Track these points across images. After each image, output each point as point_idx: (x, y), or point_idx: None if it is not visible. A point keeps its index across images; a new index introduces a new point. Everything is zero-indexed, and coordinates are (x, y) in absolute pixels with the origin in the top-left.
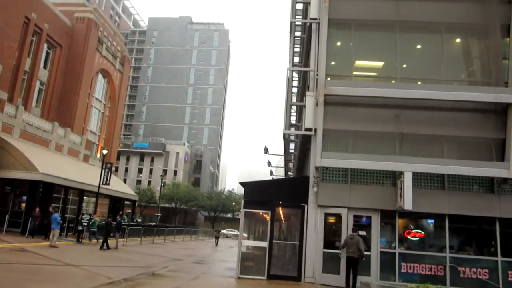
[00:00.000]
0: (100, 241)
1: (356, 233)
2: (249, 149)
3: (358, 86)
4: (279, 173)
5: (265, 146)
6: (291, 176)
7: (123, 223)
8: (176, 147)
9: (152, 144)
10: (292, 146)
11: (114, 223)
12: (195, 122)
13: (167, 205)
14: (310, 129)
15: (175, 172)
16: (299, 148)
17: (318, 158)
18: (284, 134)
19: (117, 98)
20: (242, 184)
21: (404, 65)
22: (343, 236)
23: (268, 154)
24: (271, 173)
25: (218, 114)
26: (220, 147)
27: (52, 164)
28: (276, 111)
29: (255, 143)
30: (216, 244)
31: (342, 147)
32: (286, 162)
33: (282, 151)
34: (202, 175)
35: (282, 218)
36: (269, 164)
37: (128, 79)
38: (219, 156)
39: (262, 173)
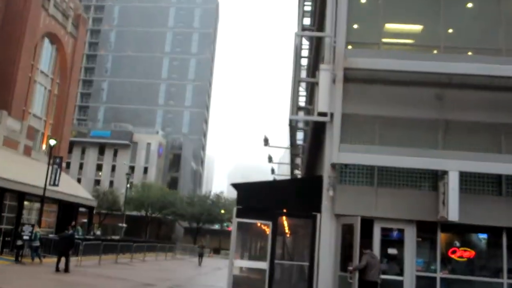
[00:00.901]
0: (44, 260)
1: (369, 250)
2: (244, 139)
3: (389, 58)
4: (283, 172)
5: (265, 136)
6: (299, 176)
7: (76, 236)
8: (147, 137)
9: (115, 132)
10: (300, 136)
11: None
12: (172, 103)
13: (135, 213)
14: (324, 114)
15: (146, 170)
16: (310, 139)
17: (335, 153)
18: (290, 121)
19: (69, 72)
20: (234, 186)
21: (450, 30)
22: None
23: (269, 146)
24: (273, 171)
25: (203, 93)
26: (205, 137)
27: None
28: (280, 90)
29: (252, 131)
30: (200, 264)
31: (366, 138)
32: (293, 157)
33: (286, 143)
34: (181, 173)
35: (287, 231)
36: (270, 159)
37: (84, 46)
38: (203, 149)
39: (260, 171)
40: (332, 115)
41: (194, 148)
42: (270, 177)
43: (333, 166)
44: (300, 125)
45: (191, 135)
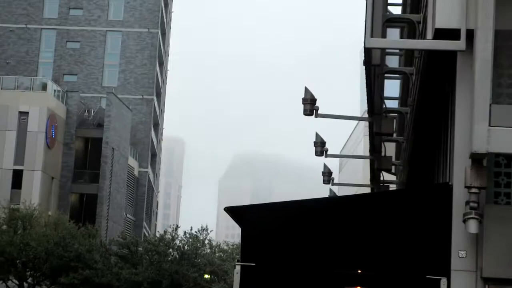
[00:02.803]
0: None
1: None
2: (248, 101)
3: None
4: (348, 176)
5: (309, 95)
6: (391, 185)
7: None
8: (20, 96)
9: None
10: (390, 89)
11: None
12: (79, 18)
13: None
14: (450, 34)
15: (18, 176)
16: (417, 98)
17: (481, 130)
18: (367, 52)
19: None
20: (231, 211)
21: None
22: None
23: (318, 114)
24: (328, 178)
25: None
26: (159, 97)
27: None
28: None
29: (262, 84)
30: None
31: None
32: (375, 139)
33: (356, 108)
34: (103, 186)
35: None
36: (320, 152)
37: None
38: (157, 128)
39: (293, 169)
40: (470, 35)
41: (136, 123)
42: (317, 189)
43: (478, 161)
44: (392, 61)
45: (126, 93)
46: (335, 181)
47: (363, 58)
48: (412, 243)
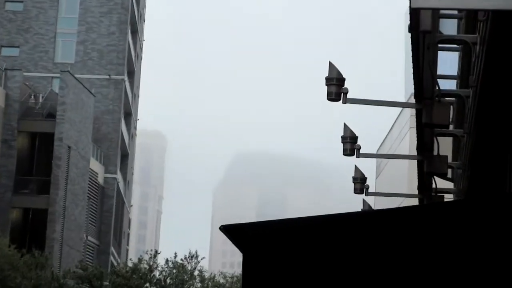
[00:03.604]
0: None
1: None
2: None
3: None
4: (391, 183)
5: (333, 67)
6: (446, 196)
7: None
8: None
9: None
10: (446, 65)
11: None
12: None
13: None
14: None
15: None
16: (482, 76)
17: None
18: (414, 15)
19: None
20: (234, 231)
21: None
22: None
23: (347, 98)
24: (361, 186)
25: None
26: (131, 77)
27: None
28: None
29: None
30: None
31: None
32: (425, 133)
33: (399, 92)
34: (55, 197)
35: None
36: (350, 141)
37: None
38: (129, 119)
39: (312, 174)
40: None
41: (101, 113)
42: (345, 200)
43: None
44: (448, 27)
45: (87, 72)
46: (370, 190)
47: (409, 23)
48: (479, 274)
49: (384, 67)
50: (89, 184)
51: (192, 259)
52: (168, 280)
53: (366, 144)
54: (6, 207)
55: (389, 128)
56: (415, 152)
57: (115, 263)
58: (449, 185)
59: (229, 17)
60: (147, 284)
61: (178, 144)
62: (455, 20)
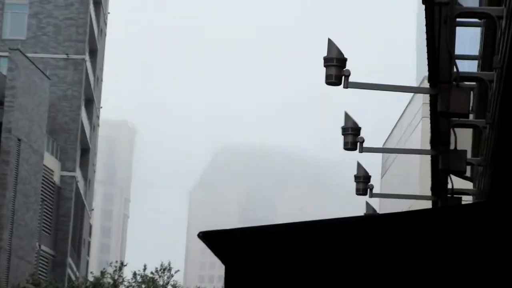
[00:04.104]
0: None
1: None
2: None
3: None
4: (399, 182)
5: (332, 45)
6: (465, 198)
7: None
8: None
9: None
10: (465, 43)
11: None
12: None
13: None
14: None
15: None
16: (509, 56)
17: None
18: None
19: None
20: (214, 239)
21: None
22: None
23: (348, 82)
24: (364, 186)
25: None
26: (94, 56)
27: None
28: None
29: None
30: None
31: None
32: (441, 124)
33: (410, 75)
34: (3, 199)
35: None
36: (352, 133)
37: None
38: (90, 106)
39: (306, 170)
40: None
41: (58, 99)
42: (345, 202)
43: None
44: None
45: (40, 50)
46: (375, 191)
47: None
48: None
49: (394, 46)
50: (42, 183)
51: (164, 272)
52: None
53: (370, 137)
54: None
55: (397, 118)
56: (428, 146)
57: (73, 277)
58: (468, 185)
59: None
60: None
61: (149, 137)
62: None
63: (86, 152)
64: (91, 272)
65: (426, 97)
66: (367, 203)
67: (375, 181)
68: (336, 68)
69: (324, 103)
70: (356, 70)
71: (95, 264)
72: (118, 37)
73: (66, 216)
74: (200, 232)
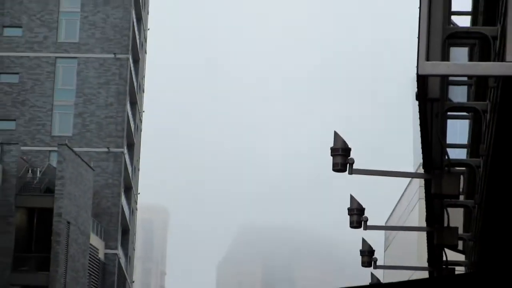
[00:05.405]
0: None
1: None
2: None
3: None
4: (400, 256)
5: (338, 137)
6: (457, 268)
7: None
8: None
9: None
10: (455, 134)
11: None
12: (18, 40)
13: None
14: None
15: None
16: (493, 145)
17: None
18: (421, 82)
19: None
20: None
21: None
22: None
23: (353, 169)
24: (369, 259)
25: None
26: (131, 151)
27: None
28: None
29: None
30: None
31: None
32: (435, 204)
33: (408, 161)
34: (55, 274)
35: None
36: (357, 213)
37: None
38: (129, 193)
39: (321, 247)
40: None
41: (100, 187)
42: (353, 273)
43: None
44: (457, 94)
45: (85, 145)
46: (378, 263)
47: (416, 90)
48: None
49: (393, 136)
50: (89, 260)
51: None
52: None
53: (374, 216)
54: (5, 285)
55: (397, 199)
56: (424, 224)
57: None
58: (460, 257)
59: (229, 88)
60: None
61: (181, 217)
62: (465, 87)
63: (126, 232)
64: None
65: (422, 181)
66: (372, 274)
67: (379, 255)
68: (341, 157)
69: (336, 185)
70: (361, 157)
71: None
72: (151, 133)
73: None
74: None
